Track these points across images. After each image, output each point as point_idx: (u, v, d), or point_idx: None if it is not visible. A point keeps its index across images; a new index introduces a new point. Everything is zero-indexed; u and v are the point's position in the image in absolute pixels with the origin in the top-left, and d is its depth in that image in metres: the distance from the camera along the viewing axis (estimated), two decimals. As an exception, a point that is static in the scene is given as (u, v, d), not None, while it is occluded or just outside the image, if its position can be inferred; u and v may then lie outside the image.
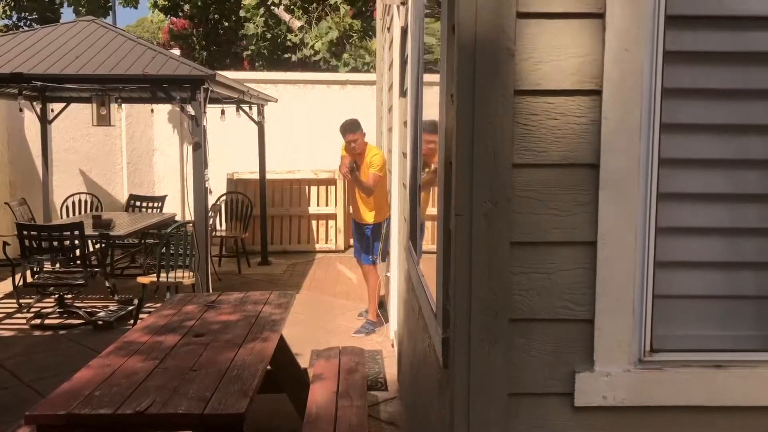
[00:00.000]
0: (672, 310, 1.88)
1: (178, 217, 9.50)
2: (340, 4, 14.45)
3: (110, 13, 17.98)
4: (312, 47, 14.20)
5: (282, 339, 3.84)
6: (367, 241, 6.18)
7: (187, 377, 2.85)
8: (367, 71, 13.58)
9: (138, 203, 9.48)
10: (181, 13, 16.43)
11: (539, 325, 1.83)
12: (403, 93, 4.39)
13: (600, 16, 1.75)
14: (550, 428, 1.86)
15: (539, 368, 1.84)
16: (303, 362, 4.80)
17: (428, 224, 3.02)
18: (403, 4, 4.27)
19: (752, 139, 1.85)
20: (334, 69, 14.02)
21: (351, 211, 6.50)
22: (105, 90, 6.85)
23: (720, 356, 1.84)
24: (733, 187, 1.87)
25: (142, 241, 8.47)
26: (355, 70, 13.68)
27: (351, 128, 6.00)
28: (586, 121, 1.78)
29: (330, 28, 14.21)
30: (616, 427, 1.85)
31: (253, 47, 15.12)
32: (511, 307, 1.82)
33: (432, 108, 2.54)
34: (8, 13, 16.23)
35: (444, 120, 2.03)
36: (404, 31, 4.22)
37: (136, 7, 16.99)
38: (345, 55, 14.04)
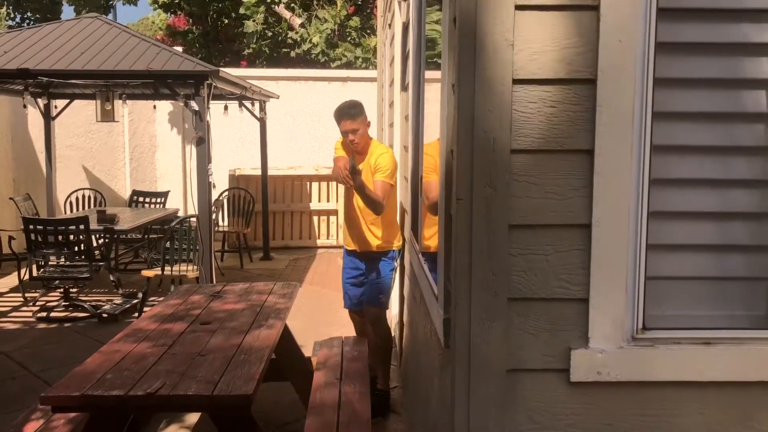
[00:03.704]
0: (663, 290, 1.96)
1: (180, 213, 9.58)
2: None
3: (110, 11, 18.09)
4: (310, 41, 14.29)
5: (286, 328, 3.92)
6: (373, 276, 4.39)
7: (195, 362, 2.93)
8: (360, 67, 13.67)
9: (141, 199, 9.57)
10: (180, 12, 16.51)
11: (536, 304, 1.91)
12: (404, 87, 4.48)
13: (595, 8, 1.83)
14: (547, 403, 1.94)
15: (536, 345, 1.92)
16: (306, 353, 4.88)
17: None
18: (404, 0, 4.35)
19: (741, 127, 1.94)
20: (331, 63, 14.12)
21: (344, 238, 4.61)
22: (109, 86, 6.93)
23: (709, 334, 1.92)
24: (723, 173, 1.95)
25: (146, 236, 8.56)
26: (348, 65, 13.78)
27: (350, 112, 4.22)
28: (582, 109, 1.86)
29: (326, 20, 14.31)
30: (611, 401, 1.94)
31: (254, 45, 15.20)
32: (510, 287, 1.90)
33: (433, 100, 2.62)
34: (12, 15, 16.40)
35: (446, 109, 2.11)
36: (405, 27, 4.30)
37: (135, 4, 17.08)
38: (338, 50, 14.13)
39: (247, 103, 9.13)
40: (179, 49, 10.60)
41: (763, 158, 1.94)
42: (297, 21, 15.03)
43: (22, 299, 7.06)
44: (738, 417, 1.95)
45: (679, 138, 1.93)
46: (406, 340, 4.56)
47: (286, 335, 4.01)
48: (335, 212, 10.36)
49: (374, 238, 4.33)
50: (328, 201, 10.41)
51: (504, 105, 1.84)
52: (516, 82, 1.84)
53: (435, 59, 2.68)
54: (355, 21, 14.54)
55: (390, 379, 4.49)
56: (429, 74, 3.22)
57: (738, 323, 1.96)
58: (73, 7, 15.88)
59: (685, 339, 1.92)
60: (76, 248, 6.65)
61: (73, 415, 3.14)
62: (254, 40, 15.14)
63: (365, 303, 4.44)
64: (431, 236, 2.93)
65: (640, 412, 1.94)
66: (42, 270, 6.77)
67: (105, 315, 6.44)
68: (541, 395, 1.94)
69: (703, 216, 1.97)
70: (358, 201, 4.27)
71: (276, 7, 15.03)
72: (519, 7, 1.82)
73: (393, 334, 4.83)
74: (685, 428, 1.95)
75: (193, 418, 4.20)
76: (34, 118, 9.06)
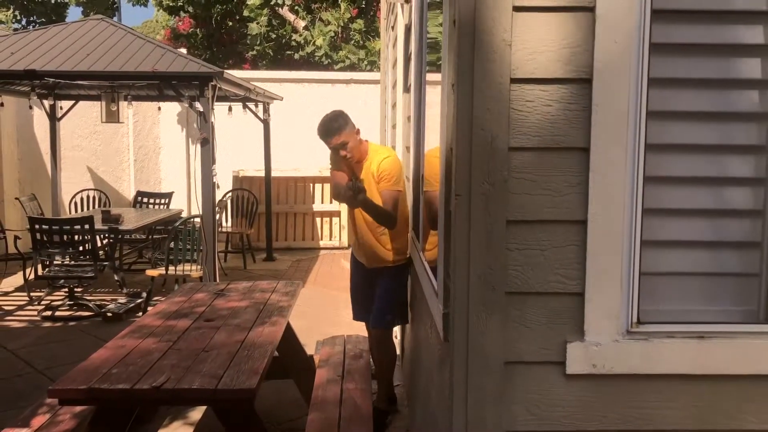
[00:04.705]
0: (658, 286, 2.00)
1: (184, 214, 9.65)
2: (341, 1, 14.65)
3: (116, 13, 18.22)
4: (314, 43, 14.38)
5: (289, 326, 3.97)
6: (381, 291, 4.00)
7: (200, 357, 2.98)
8: (364, 69, 13.76)
9: (145, 199, 9.64)
10: (184, 14, 16.62)
11: (533, 298, 1.96)
12: (406, 89, 4.52)
13: (591, 9, 1.87)
14: (543, 394, 1.98)
15: (533, 338, 1.97)
16: (308, 352, 4.93)
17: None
18: (407, 2, 4.40)
19: (733, 126, 1.99)
20: (335, 65, 14.21)
21: (350, 247, 4.25)
22: (114, 87, 7.00)
23: (702, 328, 1.96)
24: (715, 171, 2.00)
25: (150, 236, 8.63)
26: (352, 67, 13.87)
27: (333, 127, 3.84)
28: (578, 107, 1.90)
29: (329, 22, 14.41)
30: (605, 394, 1.98)
31: (258, 47, 15.28)
32: (507, 281, 1.95)
33: (435, 103, 2.67)
34: (18, 17, 16.54)
35: (446, 108, 2.16)
36: (408, 29, 4.35)
37: (146, 5, 17.18)
38: (342, 52, 14.23)
39: (251, 105, 9.20)
40: (183, 50, 10.68)
41: (755, 157, 1.98)
42: (301, 23, 15.12)
43: (27, 298, 7.12)
44: (731, 410, 1.99)
45: (673, 137, 1.97)
46: (407, 339, 4.60)
47: (289, 333, 4.06)
48: (338, 213, 10.42)
49: (385, 251, 3.94)
50: (330, 203, 10.46)
51: (502, 104, 1.89)
52: (514, 81, 1.89)
53: (437, 62, 2.72)
54: (358, 24, 14.62)
55: (387, 396, 4.21)
56: (431, 76, 3.27)
57: (731, 318, 2.00)
58: (81, 8, 16.01)
59: (679, 333, 1.96)
60: (81, 248, 6.71)
61: (79, 409, 3.20)
62: (258, 42, 15.23)
63: (371, 324, 4.07)
64: (432, 248, 2.81)
65: (634, 404, 1.99)
66: (47, 269, 6.83)
67: (109, 314, 6.50)
68: (538, 387, 1.99)
69: (696, 213, 2.01)
70: (362, 212, 3.89)
71: (280, 9, 15.12)
72: (517, 9, 1.87)
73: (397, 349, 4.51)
74: (679, 420, 1.99)
75: (196, 414, 4.25)
76: (39, 118, 9.14)
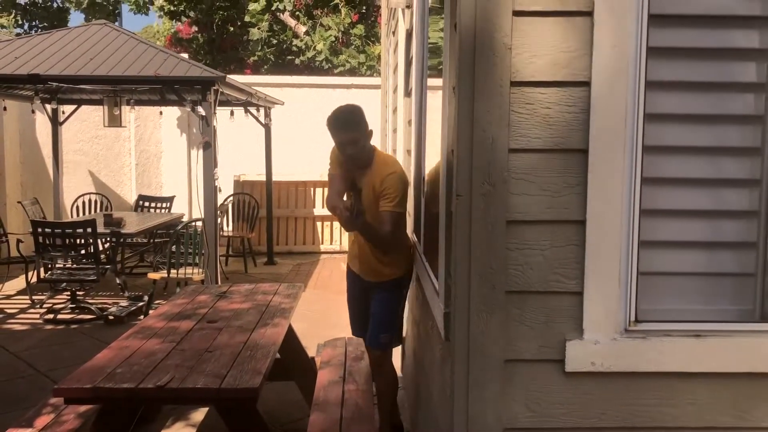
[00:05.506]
0: (655, 286, 2.04)
1: (185, 218, 9.68)
2: (341, 6, 14.73)
3: (118, 19, 18.30)
4: (314, 48, 14.44)
5: (291, 328, 4.00)
6: (376, 308, 3.71)
7: (203, 357, 3.01)
8: (364, 73, 13.82)
9: (146, 203, 9.68)
10: (185, 19, 16.68)
11: (533, 297, 1.99)
12: (407, 93, 4.56)
13: (589, 14, 1.91)
14: (542, 392, 2.02)
15: (533, 336, 2.00)
16: (310, 353, 4.95)
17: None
18: (408, 7, 4.44)
19: (728, 128, 2.02)
20: (335, 69, 14.28)
21: (348, 257, 4.00)
22: (117, 91, 7.05)
23: (699, 326, 1.99)
24: (711, 173, 2.03)
25: (151, 240, 8.66)
26: (352, 71, 13.93)
27: (347, 119, 3.51)
28: (576, 110, 1.94)
29: (330, 27, 14.48)
30: (604, 391, 2.01)
31: (259, 52, 15.35)
32: (507, 281, 1.98)
33: (436, 107, 2.71)
34: (20, 22, 16.63)
35: (447, 111, 2.20)
36: (409, 34, 4.39)
37: (147, 14, 17.26)
38: (342, 57, 14.29)
39: (252, 110, 9.25)
40: (185, 56, 10.73)
41: (750, 158, 2.02)
42: (301, 29, 15.18)
43: (29, 301, 7.15)
44: (727, 407, 2.02)
45: (670, 139, 2.01)
46: (408, 341, 4.63)
47: (291, 335, 4.09)
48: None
49: (380, 264, 3.67)
50: (331, 207, 10.50)
51: (502, 106, 1.93)
52: (513, 84, 1.93)
53: (438, 66, 2.76)
54: (359, 29, 14.68)
55: (391, 424, 3.93)
56: (432, 81, 3.30)
57: (727, 317, 2.03)
58: (84, 15, 16.09)
59: (676, 331, 1.99)
60: (83, 251, 6.74)
61: (83, 409, 3.22)
62: (259, 48, 15.29)
63: (366, 344, 3.83)
64: None
65: (632, 401, 2.02)
66: (49, 272, 6.86)
67: (111, 317, 6.53)
68: (538, 385, 2.02)
69: (693, 214, 2.05)
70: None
71: (281, 14, 15.19)
72: (517, 13, 1.91)
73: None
74: (676, 418, 2.02)
75: (198, 416, 4.28)
76: (41, 123, 9.19)
